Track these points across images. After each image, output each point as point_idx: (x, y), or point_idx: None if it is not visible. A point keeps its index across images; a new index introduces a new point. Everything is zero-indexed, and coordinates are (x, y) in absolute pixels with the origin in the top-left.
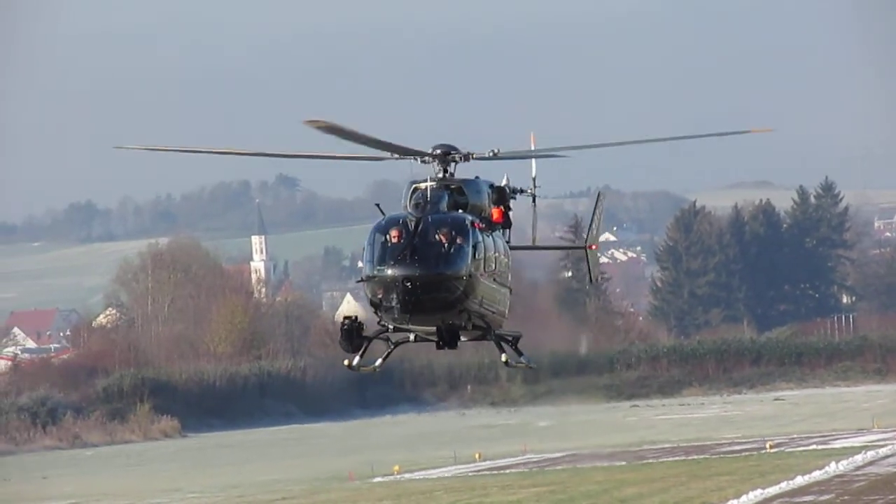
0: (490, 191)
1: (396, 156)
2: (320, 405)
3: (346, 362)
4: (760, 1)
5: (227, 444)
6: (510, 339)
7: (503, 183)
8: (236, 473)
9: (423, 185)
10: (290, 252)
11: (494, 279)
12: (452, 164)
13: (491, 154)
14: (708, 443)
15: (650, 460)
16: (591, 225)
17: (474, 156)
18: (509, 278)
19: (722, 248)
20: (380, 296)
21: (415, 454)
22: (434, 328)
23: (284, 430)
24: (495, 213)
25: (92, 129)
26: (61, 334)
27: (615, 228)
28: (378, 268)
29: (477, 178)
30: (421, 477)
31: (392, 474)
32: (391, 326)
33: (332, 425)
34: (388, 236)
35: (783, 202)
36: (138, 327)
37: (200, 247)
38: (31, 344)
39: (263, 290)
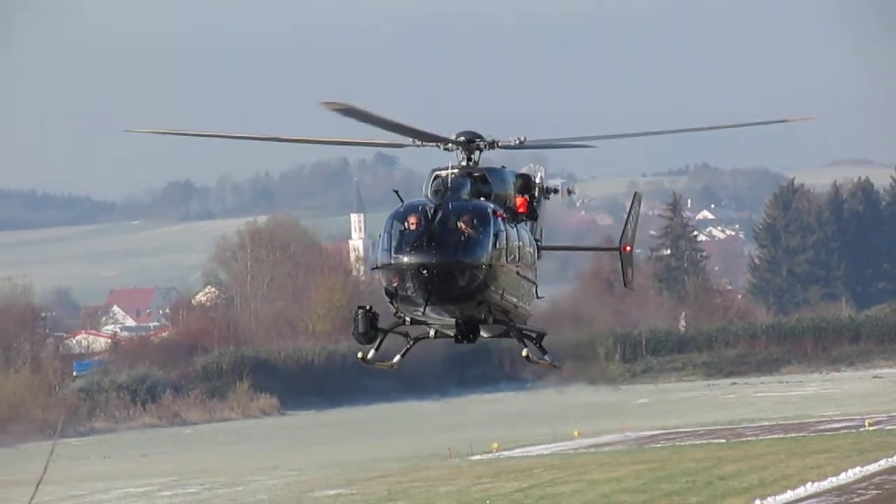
0: (515, 180)
1: (418, 142)
2: (419, 383)
3: (359, 355)
4: None
5: (325, 423)
6: (534, 335)
7: (537, 178)
8: (335, 452)
9: (444, 172)
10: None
11: (518, 272)
12: (477, 152)
13: (517, 142)
14: (807, 420)
15: (749, 438)
16: (626, 226)
17: (500, 144)
18: (535, 273)
19: (821, 225)
20: (395, 284)
21: (513, 432)
22: (452, 321)
23: (383, 408)
24: (520, 202)
25: (190, 107)
26: (160, 312)
27: (713, 206)
28: (394, 255)
29: (503, 167)
30: (520, 454)
31: (491, 452)
32: (408, 319)
33: (431, 403)
34: (405, 223)
35: (882, 180)
36: (237, 305)
37: (299, 225)
38: (130, 322)
39: (362, 267)
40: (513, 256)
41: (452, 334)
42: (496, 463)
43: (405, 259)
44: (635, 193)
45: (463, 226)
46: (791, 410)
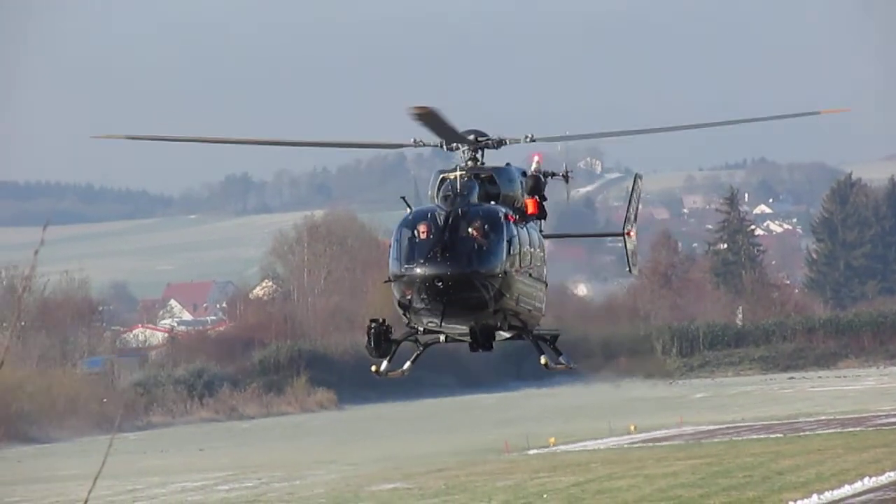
0: (524, 179)
1: (419, 142)
2: (476, 377)
3: (372, 368)
4: None
5: (382, 416)
6: (548, 338)
7: (534, 165)
8: (392, 446)
9: (451, 175)
10: None
11: (530, 274)
12: (482, 151)
13: (527, 139)
14: (864, 415)
15: (806, 432)
16: (627, 210)
17: (507, 141)
18: (545, 272)
19: (878, 219)
20: (409, 297)
21: (570, 426)
22: (467, 329)
23: (440, 402)
24: (530, 204)
25: (245, 100)
26: (217, 306)
27: (771, 200)
28: (406, 266)
29: (508, 164)
30: (576, 449)
31: (548, 446)
32: (421, 328)
33: (488, 397)
34: (416, 232)
35: None
36: (294, 299)
37: (356, 219)
38: (187, 316)
39: None
40: (526, 260)
41: (466, 341)
42: (553, 457)
43: (418, 270)
44: (635, 175)
45: (476, 233)
46: (848, 405)
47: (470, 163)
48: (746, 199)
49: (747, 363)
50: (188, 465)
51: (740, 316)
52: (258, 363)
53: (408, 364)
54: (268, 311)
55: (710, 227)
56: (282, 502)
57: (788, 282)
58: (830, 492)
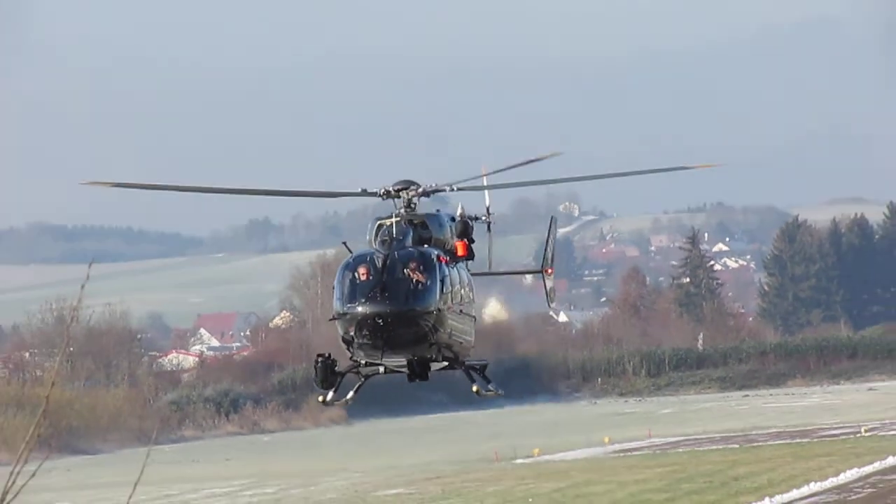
0: (452, 224)
1: (362, 192)
2: (468, 396)
3: (319, 399)
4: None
5: (386, 430)
6: (478, 367)
7: (458, 212)
8: (395, 456)
9: (388, 221)
10: None
11: (461, 310)
12: (415, 200)
13: (450, 189)
14: (810, 428)
15: (759, 443)
16: (546, 249)
17: (434, 188)
18: (474, 308)
19: (822, 256)
20: (351, 333)
21: (552, 439)
22: (405, 361)
23: (437, 417)
24: (459, 246)
25: (267, 153)
26: (242, 334)
27: (728, 239)
28: (348, 305)
29: (438, 211)
30: (558, 458)
31: (532, 456)
32: (363, 361)
33: (479, 413)
34: (356, 273)
35: (875, 216)
36: (309, 328)
37: None
38: (215, 343)
39: None
40: (457, 298)
41: (404, 372)
42: (537, 466)
43: (360, 309)
44: (551, 217)
45: (411, 274)
46: (796, 419)
47: (404, 210)
48: (706, 239)
49: (707, 382)
50: (216, 474)
51: (701, 341)
52: (277, 384)
53: (351, 394)
54: (286, 338)
55: (674, 263)
56: None
57: (743, 311)
58: (781, 495)
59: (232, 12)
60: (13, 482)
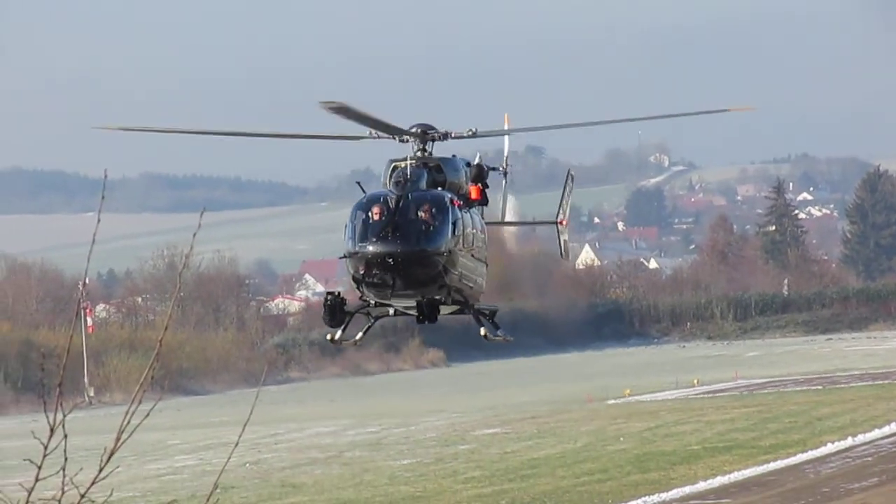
0: (468, 169)
1: (375, 135)
2: (563, 339)
3: (328, 336)
4: None
5: (484, 372)
6: (487, 312)
7: (476, 160)
8: (492, 396)
9: (402, 163)
10: (536, 210)
11: (472, 254)
12: (430, 143)
13: (469, 133)
14: (891, 370)
15: (842, 385)
16: (561, 202)
17: (453, 135)
18: (486, 253)
19: None
20: (362, 272)
21: (642, 380)
22: (414, 303)
23: (533, 360)
24: (473, 190)
25: (371, 100)
26: (345, 279)
27: (812, 189)
28: (360, 244)
29: (454, 156)
30: (648, 399)
31: (623, 397)
32: (372, 301)
33: (573, 356)
34: (369, 213)
35: None
36: None
37: None
38: (320, 288)
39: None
40: (469, 241)
41: (414, 314)
42: (628, 406)
43: (370, 248)
44: (568, 171)
45: (424, 215)
46: (878, 361)
47: (419, 153)
48: (791, 188)
49: (792, 326)
50: (321, 414)
51: (786, 287)
52: (379, 328)
53: (360, 335)
54: None
55: (760, 211)
56: (399, 444)
57: (826, 258)
58: (863, 434)
59: None
60: (128, 422)
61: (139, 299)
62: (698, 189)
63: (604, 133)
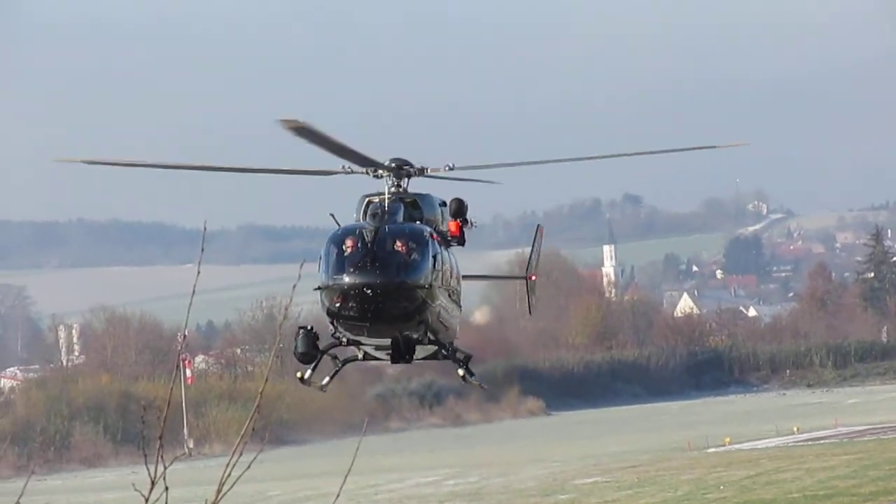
0: (443, 208)
1: (349, 169)
2: (662, 387)
3: (297, 374)
4: None
5: (584, 421)
6: (463, 357)
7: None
8: (592, 445)
9: (377, 198)
10: (635, 258)
11: (449, 295)
12: (406, 179)
13: (446, 168)
14: None
15: None
16: (530, 257)
17: (429, 170)
18: (460, 297)
19: None
20: (338, 304)
21: (742, 428)
22: (388, 342)
23: (632, 408)
24: (452, 226)
25: (461, 149)
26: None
27: None
28: (335, 276)
29: (429, 193)
30: (748, 447)
31: (723, 445)
32: (344, 339)
33: (672, 404)
34: (345, 245)
35: None
36: (509, 323)
37: (560, 255)
38: None
39: (613, 290)
40: (447, 280)
41: (385, 357)
42: (728, 455)
43: (348, 279)
44: (538, 226)
45: (404, 247)
46: None
47: (393, 189)
48: (889, 235)
49: (892, 373)
50: (421, 464)
51: (885, 334)
52: (477, 376)
53: (327, 379)
54: (486, 334)
55: (858, 259)
56: (499, 494)
57: None
58: None
59: None
60: (229, 473)
61: (238, 350)
62: (797, 237)
63: (701, 181)
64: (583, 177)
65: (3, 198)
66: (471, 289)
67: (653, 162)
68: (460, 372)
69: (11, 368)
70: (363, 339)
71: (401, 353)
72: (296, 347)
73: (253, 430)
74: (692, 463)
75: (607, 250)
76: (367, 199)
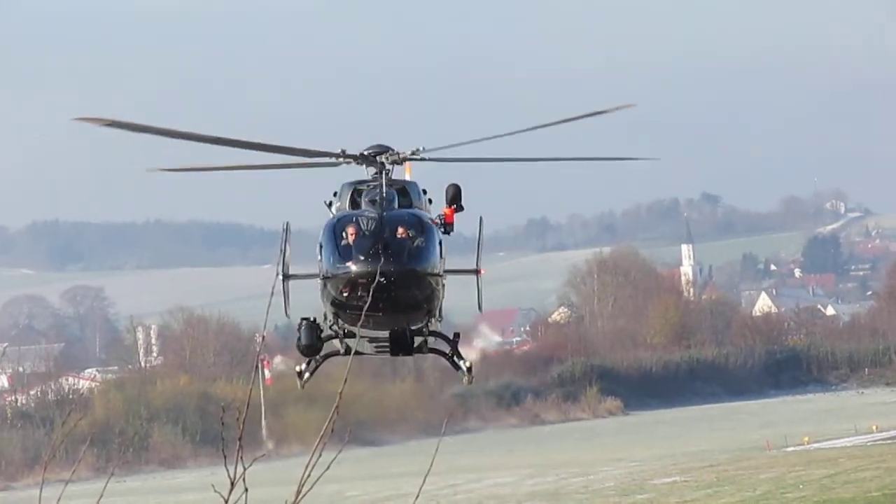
0: (425, 196)
1: (344, 152)
2: (740, 386)
3: (297, 369)
4: None
5: (662, 421)
6: (460, 354)
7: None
8: (670, 445)
9: (368, 185)
10: (713, 258)
11: (443, 282)
12: (392, 166)
13: (415, 151)
14: None
15: None
16: (478, 248)
17: (404, 155)
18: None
19: None
20: (345, 294)
21: (821, 427)
22: (386, 334)
23: (711, 407)
24: (448, 212)
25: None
26: (522, 329)
27: None
28: (342, 264)
29: (413, 181)
30: (827, 446)
31: (802, 444)
32: (342, 331)
33: (751, 403)
34: (348, 232)
35: None
36: (586, 323)
37: (638, 254)
38: (496, 338)
39: (691, 290)
40: (444, 268)
41: (376, 350)
42: (807, 454)
43: (359, 268)
44: (480, 218)
45: (413, 234)
46: None
47: (376, 176)
48: None
49: None
50: (499, 464)
51: None
52: (556, 377)
53: (307, 375)
54: (564, 333)
55: None
56: (578, 494)
57: None
58: None
59: None
60: (309, 474)
61: None
62: (875, 235)
63: (779, 180)
64: (661, 176)
65: (82, 200)
66: (548, 289)
67: (731, 161)
68: (465, 365)
69: (90, 370)
70: (365, 332)
71: (401, 344)
72: (299, 339)
73: (332, 430)
74: (771, 462)
75: (685, 250)
76: (354, 187)
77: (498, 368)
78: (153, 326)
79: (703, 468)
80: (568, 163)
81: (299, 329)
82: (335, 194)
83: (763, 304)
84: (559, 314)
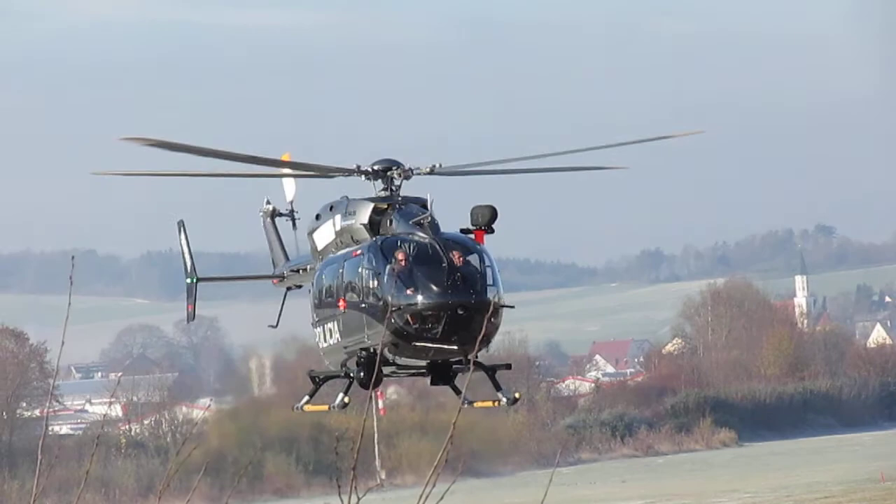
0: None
1: (360, 167)
2: (855, 418)
3: (340, 399)
4: None
5: (776, 452)
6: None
7: (429, 199)
8: (784, 476)
9: (384, 203)
10: (827, 289)
11: None
12: (395, 181)
13: (429, 170)
14: None
15: None
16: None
17: (415, 171)
18: None
19: None
20: (415, 326)
21: None
22: (424, 363)
23: (825, 439)
24: (477, 234)
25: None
26: (636, 360)
27: None
28: (418, 295)
29: (418, 197)
30: None
31: None
32: (392, 363)
33: (864, 435)
34: (417, 261)
35: None
36: (700, 354)
37: (752, 286)
38: (610, 369)
39: (805, 321)
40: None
41: (409, 375)
42: None
43: (435, 300)
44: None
45: (478, 263)
46: None
47: (382, 192)
48: None
49: None
50: (612, 495)
51: None
52: (670, 408)
53: (306, 398)
54: (678, 364)
55: None
56: None
57: None
58: None
59: None
60: None
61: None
62: None
63: (894, 211)
64: (775, 207)
65: (197, 230)
66: (661, 320)
67: (846, 191)
68: (515, 395)
69: (204, 399)
70: (412, 361)
71: (442, 375)
72: (360, 373)
73: (445, 461)
74: (885, 494)
75: (799, 281)
76: (373, 205)
77: (612, 399)
78: (267, 356)
79: (818, 499)
80: (683, 193)
81: (359, 361)
82: (331, 208)
83: (877, 335)
84: (673, 345)
